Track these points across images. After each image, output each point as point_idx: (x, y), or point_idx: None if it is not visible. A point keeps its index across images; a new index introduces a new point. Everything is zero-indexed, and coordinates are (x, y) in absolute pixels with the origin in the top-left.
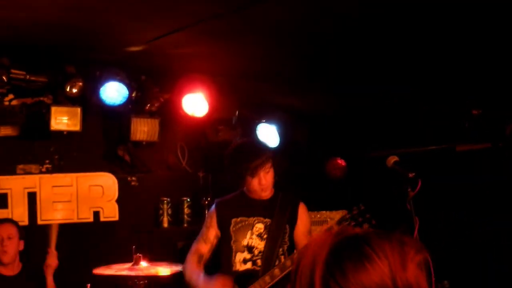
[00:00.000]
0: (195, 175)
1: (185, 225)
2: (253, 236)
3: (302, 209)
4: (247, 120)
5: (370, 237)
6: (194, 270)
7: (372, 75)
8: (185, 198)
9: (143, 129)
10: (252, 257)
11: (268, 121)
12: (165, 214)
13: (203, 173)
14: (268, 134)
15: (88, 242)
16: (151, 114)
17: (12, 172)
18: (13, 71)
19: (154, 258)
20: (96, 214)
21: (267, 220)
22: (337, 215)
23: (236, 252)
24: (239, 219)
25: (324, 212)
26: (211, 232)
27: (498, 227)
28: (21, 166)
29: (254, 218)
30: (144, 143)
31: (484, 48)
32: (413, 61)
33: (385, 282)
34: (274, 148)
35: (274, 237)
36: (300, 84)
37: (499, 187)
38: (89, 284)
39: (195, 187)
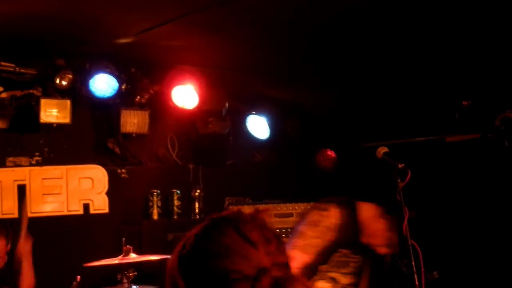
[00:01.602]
0: (185, 167)
1: (175, 217)
2: None
3: None
4: (237, 112)
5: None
6: None
7: (362, 67)
8: (174, 190)
9: (133, 121)
10: None
11: (258, 112)
12: (155, 206)
13: (193, 165)
14: (258, 126)
15: (78, 234)
16: (141, 106)
17: (1, 164)
18: (2, 63)
19: (144, 250)
20: (86, 207)
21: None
22: None
23: None
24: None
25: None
26: None
27: (488, 218)
28: (10, 159)
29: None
30: (134, 135)
31: (474, 39)
32: (403, 52)
33: None
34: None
35: None
36: (290, 76)
37: (488, 178)
38: (79, 276)
39: (185, 179)
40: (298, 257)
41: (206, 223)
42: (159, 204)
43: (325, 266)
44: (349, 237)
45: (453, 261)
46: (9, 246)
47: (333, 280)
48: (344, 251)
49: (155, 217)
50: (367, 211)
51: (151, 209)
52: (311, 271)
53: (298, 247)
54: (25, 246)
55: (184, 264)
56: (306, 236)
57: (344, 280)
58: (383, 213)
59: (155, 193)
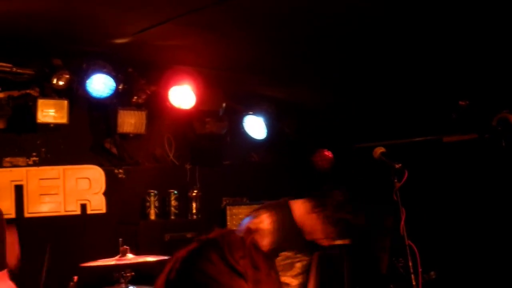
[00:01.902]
0: (182, 168)
1: (172, 217)
2: None
3: None
4: (234, 112)
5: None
6: None
7: (359, 67)
8: (172, 191)
9: (130, 121)
10: None
11: (255, 113)
12: (152, 206)
13: (190, 165)
14: (255, 126)
15: (75, 234)
16: (138, 106)
17: None
18: None
19: (141, 250)
20: (83, 207)
21: (306, 258)
22: None
23: None
24: (291, 253)
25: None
26: None
27: (485, 218)
28: (8, 159)
29: (299, 256)
30: (131, 135)
31: (471, 40)
32: (401, 52)
33: None
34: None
35: None
36: (287, 76)
37: (485, 178)
38: (76, 277)
39: (182, 179)
40: None
41: (194, 246)
42: (156, 204)
43: None
44: (290, 238)
45: (450, 262)
46: None
47: (286, 285)
48: (286, 254)
49: (152, 217)
50: (299, 209)
51: (148, 209)
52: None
53: None
54: None
55: None
56: None
57: (295, 281)
58: (313, 207)
59: (152, 194)
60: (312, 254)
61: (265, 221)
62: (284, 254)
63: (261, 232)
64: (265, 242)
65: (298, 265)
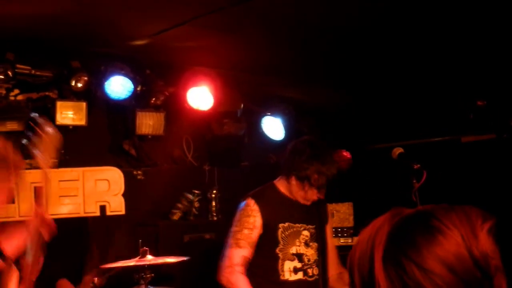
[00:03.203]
0: (200, 169)
1: (192, 218)
2: (301, 244)
3: (328, 210)
4: (252, 113)
5: (434, 211)
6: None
7: (377, 68)
8: (196, 191)
9: (148, 123)
10: (303, 266)
11: (273, 114)
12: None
13: (209, 166)
14: (273, 127)
15: (94, 236)
16: (156, 108)
17: None
18: (18, 66)
19: (161, 251)
20: (103, 208)
21: (311, 226)
22: (343, 207)
23: (284, 260)
24: (286, 224)
25: (329, 204)
26: (256, 234)
27: (504, 218)
28: (27, 161)
29: (300, 225)
30: (149, 136)
31: (490, 40)
32: (419, 53)
33: (461, 252)
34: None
35: (322, 244)
36: (304, 77)
37: (504, 178)
38: (96, 278)
39: (201, 180)
40: (236, 254)
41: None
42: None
43: (278, 246)
44: (283, 211)
45: None
46: None
47: (296, 256)
48: (283, 225)
49: (176, 218)
50: (282, 185)
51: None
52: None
53: (233, 245)
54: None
55: None
56: (235, 234)
57: (310, 251)
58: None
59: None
60: (317, 223)
61: (251, 203)
62: (282, 225)
63: (250, 213)
64: (254, 223)
65: (305, 233)
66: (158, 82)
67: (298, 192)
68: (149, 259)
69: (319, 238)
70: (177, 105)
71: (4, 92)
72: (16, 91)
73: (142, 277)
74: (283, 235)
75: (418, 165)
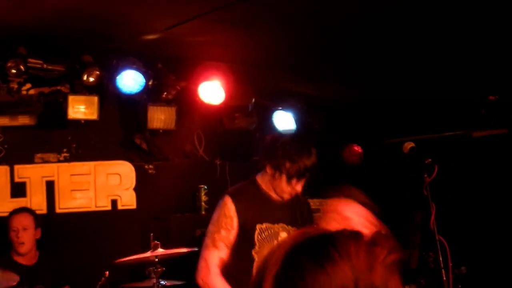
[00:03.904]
0: (212, 163)
1: (203, 212)
2: None
3: (310, 209)
4: (264, 107)
5: (336, 237)
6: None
7: (390, 62)
8: (202, 186)
9: (160, 117)
10: None
11: (285, 108)
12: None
13: (220, 160)
14: (285, 121)
15: (106, 230)
16: (167, 102)
17: (30, 160)
18: (30, 60)
19: (172, 245)
20: (114, 202)
21: (290, 228)
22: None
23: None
24: (264, 225)
25: None
26: (233, 235)
27: None
28: (39, 155)
29: (279, 226)
30: (161, 131)
31: (501, 34)
32: (430, 47)
33: (346, 284)
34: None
35: None
36: (316, 72)
37: None
38: (107, 272)
39: (212, 175)
40: (212, 255)
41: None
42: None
43: (255, 248)
44: (261, 211)
45: (480, 257)
46: (38, 234)
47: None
48: (261, 226)
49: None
50: (262, 180)
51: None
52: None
53: (210, 246)
54: None
55: None
56: (212, 234)
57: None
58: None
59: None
60: (298, 224)
61: (228, 202)
62: (260, 226)
63: (227, 212)
64: (234, 223)
65: (283, 234)
66: (170, 76)
67: (274, 184)
68: (161, 252)
69: None
70: (188, 99)
71: (16, 86)
72: (28, 85)
73: (154, 270)
74: (259, 237)
75: (430, 160)
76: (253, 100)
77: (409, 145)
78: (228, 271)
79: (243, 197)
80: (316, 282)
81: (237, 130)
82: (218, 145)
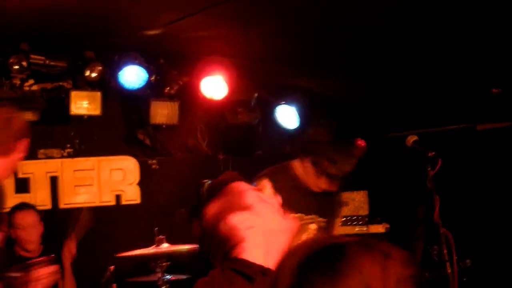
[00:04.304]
0: (215, 158)
1: None
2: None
3: (341, 203)
4: (266, 102)
5: (348, 248)
6: None
7: (392, 56)
8: (205, 180)
9: (162, 112)
10: None
11: (288, 102)
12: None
13: (223, 155)
14: (288, 116)
15: (110, 225)
16: (170, 97)
17: (33, 156)
18: (32, 56)
19: (176, 240)
20: (118, 198)
21: (321, 220)
22: (358, 195)
23: None
24: (298, 216)
25: (344, 193)
26: None
27: None
28: (42, 151)
29: (311, 217)
30: (164, 126)
31: (504, 27)
32: (433, 41)
33: None
34: None
35: None
36: (318, 66)
37: None
38: (112, 266)
39: (216, 169)
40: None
41: None
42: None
43: None
44: (295, 200)
45: (485, 250)
46: (41, 228)
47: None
48: (295, 216)
49: None
50: (299, 168)
51: None
52: None
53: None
54: (69, 250)
55: None
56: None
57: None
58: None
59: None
60: (328, 215)
61: (266, 187)
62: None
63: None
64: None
65: (313, 226)
66: (172, 71)
67: (310, 177)
68: (165, 247)
69: (326, 232)
70: (191, 94)
71: (18, 82)
72: (31, 81)
73: (159, 265)
74: None
75: (433, 153)
76: (256, 94)
77: (412, 138)
78: None
79: (276, 181)
80: None
81: (240, 124)
82: (221, 139)
